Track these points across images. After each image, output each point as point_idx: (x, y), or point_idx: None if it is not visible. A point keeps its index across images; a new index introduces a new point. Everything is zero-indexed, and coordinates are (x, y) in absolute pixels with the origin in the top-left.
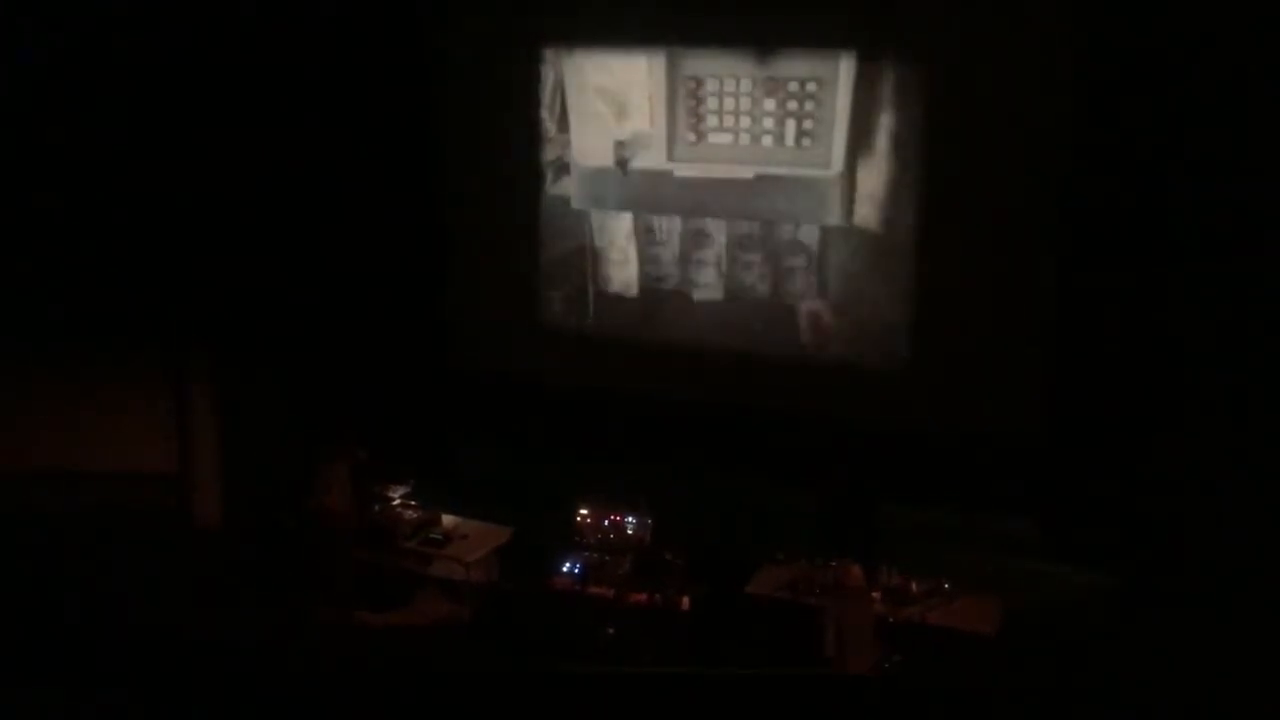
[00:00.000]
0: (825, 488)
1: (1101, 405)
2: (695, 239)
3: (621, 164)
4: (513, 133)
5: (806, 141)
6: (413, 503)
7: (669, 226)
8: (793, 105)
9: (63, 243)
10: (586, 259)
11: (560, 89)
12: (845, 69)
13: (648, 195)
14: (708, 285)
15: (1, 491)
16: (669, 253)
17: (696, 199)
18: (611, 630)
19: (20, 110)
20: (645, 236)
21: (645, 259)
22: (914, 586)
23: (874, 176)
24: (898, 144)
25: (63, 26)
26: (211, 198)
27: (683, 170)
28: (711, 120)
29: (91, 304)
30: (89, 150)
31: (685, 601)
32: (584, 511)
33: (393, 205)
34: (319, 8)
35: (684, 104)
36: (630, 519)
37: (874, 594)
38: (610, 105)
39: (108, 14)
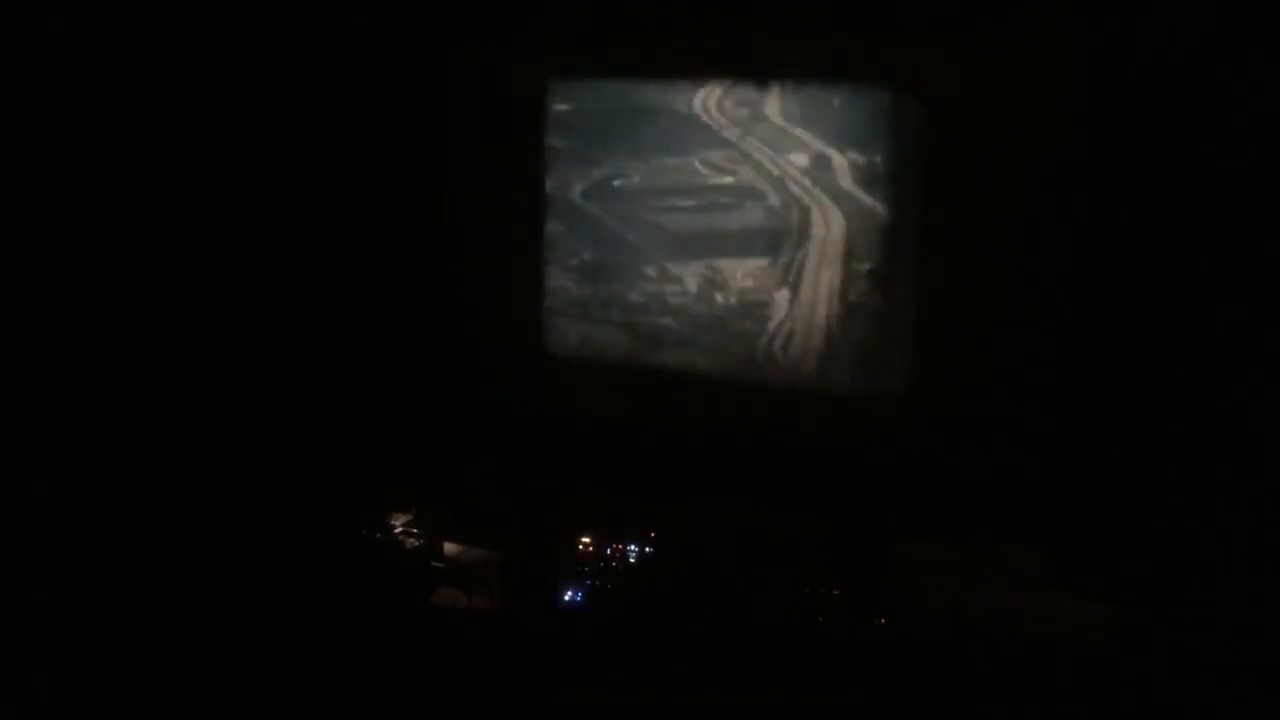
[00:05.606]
0: (833, 518)
1: (1111, 436)
2: None
3: None
4: (518, 160)
5: None
6: (414, 530)
7: None
8: None
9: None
10: None
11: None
12: None
13: None
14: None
15: None
16: None
17: None
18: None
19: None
20: None
21: None
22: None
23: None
24: (898, 169)
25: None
26: (211, 218)
27: None
28: None
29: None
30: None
31: (688, 630)
32: (586, 540)
33: (395, 231)
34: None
35: None
36: (632, 547)
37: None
38: None
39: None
